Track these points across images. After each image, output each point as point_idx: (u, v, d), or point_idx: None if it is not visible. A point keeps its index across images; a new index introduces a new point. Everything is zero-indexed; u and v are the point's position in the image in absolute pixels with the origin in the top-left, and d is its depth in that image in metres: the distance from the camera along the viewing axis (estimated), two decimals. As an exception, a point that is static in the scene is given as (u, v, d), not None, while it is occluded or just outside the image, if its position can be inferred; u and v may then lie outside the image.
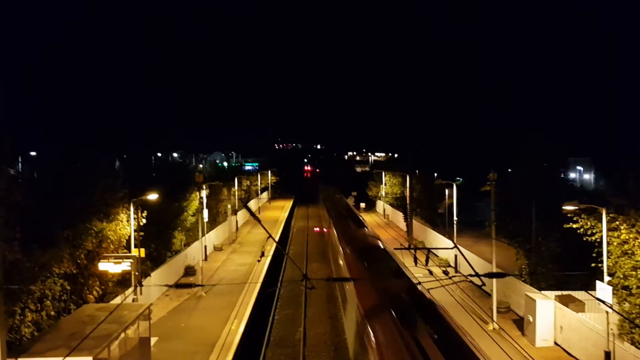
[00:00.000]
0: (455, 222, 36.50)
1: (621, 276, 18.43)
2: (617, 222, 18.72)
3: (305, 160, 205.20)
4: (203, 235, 34.54)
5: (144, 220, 26.23)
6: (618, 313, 17.83)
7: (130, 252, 24.49)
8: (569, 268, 24.26)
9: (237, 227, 53.30)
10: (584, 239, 20.26)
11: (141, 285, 23.44)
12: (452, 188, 38.21)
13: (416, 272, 30.21)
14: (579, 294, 22.48)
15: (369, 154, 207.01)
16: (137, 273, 23.29)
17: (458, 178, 40.34)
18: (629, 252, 18.26)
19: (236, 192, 58.57)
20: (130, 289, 23.52)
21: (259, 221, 12.60)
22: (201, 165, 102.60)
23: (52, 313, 19.36)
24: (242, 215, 57.39)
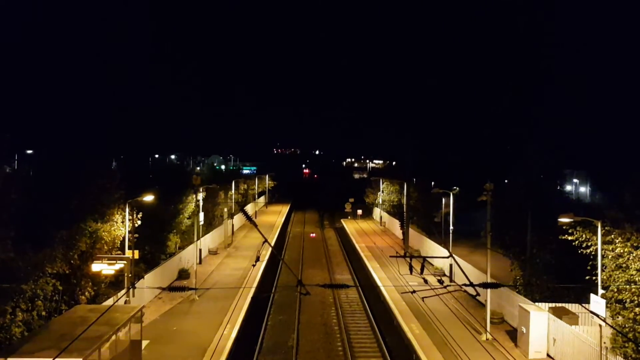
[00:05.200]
0: (451, 231, 36.47)
1: (615, 290, 18.40)
2: (612, 236, 18.71)
3: (304, 165, 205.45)
4: (198, 238, 34.46)
5: (139, 222, 26.16)
6: (611, 326, 17.80)
7: (124, 253, 24.41)
8: (563, 280, 24.23)
9: (232, 231, 53.19)
10: (579, 251, 20.25)
11: (134, 287, 23.35)
12: (449, 197, 38.23)
13: (411, 281, 30.18)
14: (572, 307, 22.47)
15: (367, 161, 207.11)
16: (130, 275, 23.20)
17: (455, 187, 40.32)
18: (624, 265, 18.25)
19: (233, 196, 58.51)
20: (123, 291, 23.41)
21: (255, 225, 12.54)
22: (198, 168, 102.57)
23: (43, 313, 19.26)
24: (238, 219, 57.27)
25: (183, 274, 34.62)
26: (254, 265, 34.92)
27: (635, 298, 17.59)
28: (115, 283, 25.10)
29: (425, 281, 23.71)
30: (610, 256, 18.73)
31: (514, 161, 30.34)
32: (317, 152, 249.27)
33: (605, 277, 18.73)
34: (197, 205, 36.96)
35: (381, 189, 68.53)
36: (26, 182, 22.14)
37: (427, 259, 37.05)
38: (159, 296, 29.45)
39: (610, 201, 21.75)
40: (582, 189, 72.42)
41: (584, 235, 20.04)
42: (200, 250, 37.58)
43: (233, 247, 48.55)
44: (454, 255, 20.02)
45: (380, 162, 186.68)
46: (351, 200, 75.72)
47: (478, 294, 29.14)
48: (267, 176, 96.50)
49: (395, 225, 57.51)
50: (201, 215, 37.64)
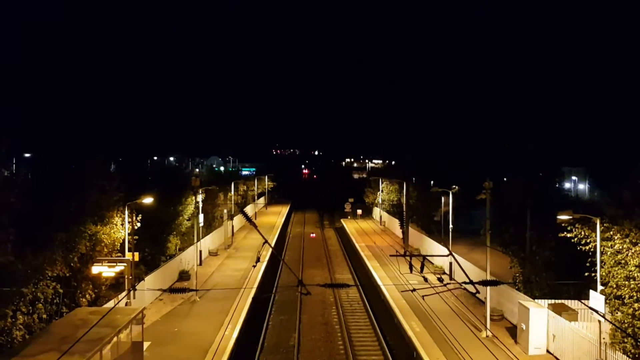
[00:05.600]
0: (451, 229, 36.53)
1: (614, 286, 18.46)
2: (611, 232, 18.76)
3: (303, 166, 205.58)
4: (198, 240, 34.50)
5: (139, 224, 26.19)
6: (610, 322, 17.86)
7: (124, 255, 24.45)
8: (562, 277, 24.31)
9: (232, 232, 53.23)
10: (578, 248, 20.31)
11: (135, 289, 23.37)
12: (448, 196, 38.29)
13: (411, 279, 30.24)
14: (572, 303, 22.53)
15: (367, 160, 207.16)
16: (130, 277, 23.23)
17: (454, 186, 40.41)
18: (622, 262, 18.30)
19: (232, 197, 58.55)
20: (124, 293, 23.44)
21: (255, 226, 12.58)
22: (197, 170, 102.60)
23: (44, 316, 19.30)
24: (238, 220, 57.32)
25: (183, 275, 34.65)
26: (254, 266, 34.91)
27: (634, 294, 17.65)
28: (116, 285, 25.14)
29: (425, 279, 23.82)
30: (609, 252, 18.79)
31: (513, 159, 30.34)
32: (316, 153, 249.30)
33: (604, 273, 18.79)
34: (197, 207, 36.99)
35: (381, 189, 68.60)
36: (25, 185, 22.19)
37: (427, 257, 37.08)
38: (160, 298, 29.49)
39: (609, 198, 21.78)
40: (581, 186, 72.54)
41: (582, 232, 20.09)
42: (200, 251, 37.62)
43: (233, 248, 48.59)
44: (453, 253, 20.05)
45: (380, 161, 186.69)
46: (351, 200, 75.77)
47: (478, 292, 29.09)
48: (266, 177, 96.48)
49: (395, 224, 57.54)
50: (201, 216, 37.68)
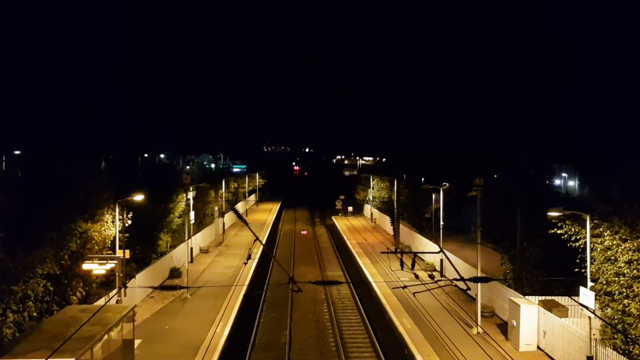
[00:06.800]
0: (441, 226, 36.68)
1: (604, 282, 18.61)
2: (601, 229, 18.91)
3: (294, 163, 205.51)
4: (189, 237, 34.37)
5: (130, 222, 26.06)
6: (600, 318, 18.03)
7: (114, 253, 24.32)
8: (553, 273, 24.47)
9: (223, 230, 53.10)
10: (568, 244, 20.45)
11: (125, 287, 23.26)
12: (439, 193, 38.42)
13: (402, 276, 30.32)
14: (562, 299, 22.69)
15: (357, 158, 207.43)
16: (121, 274, 23.11)
17: (445, 183, 40.56)
18: (612, 258, 18.45)
19: (223, 194, 58.37)
20: (115, 291, 23.32)
21: (246, 223, 12.55)
22: (188, 167, 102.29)
23: (35, 314, 19.15)
24: (229, 217, 57.18)
25: (174, 272, 34.54)
26: (245, 263, 34.80)
27: (624, 290, 17.80)
28: (107, 283, 25.02)
29: (416, 276, 23.77)
30: (599, 249, 18.93)
31: (504, 157, 30.52)
32: (307, 150, 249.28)
33: (594, 269, 18.94)
34: (188, 204, 36.85)
35: (371, 186, 68.70)
36: (15, 183, 21.98)
37: (418, 254, 37.19)
38: (151, 295, 29.36)
39: (599, 195, 21.96)
40: (571, 183, 73.08)
41: (573, 229, 20.25)
42: (191, 248, 37.48)
43: (224, 245, 48.47)
44: (444, 250, 20.12)
45: (370, 158, 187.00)
46: (342, 197, 75.78)
47: (469, 288, 29.22)
48: (257, 174, 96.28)
49: (385, 221, 57.66)
50: (192, 214, 37.53)
